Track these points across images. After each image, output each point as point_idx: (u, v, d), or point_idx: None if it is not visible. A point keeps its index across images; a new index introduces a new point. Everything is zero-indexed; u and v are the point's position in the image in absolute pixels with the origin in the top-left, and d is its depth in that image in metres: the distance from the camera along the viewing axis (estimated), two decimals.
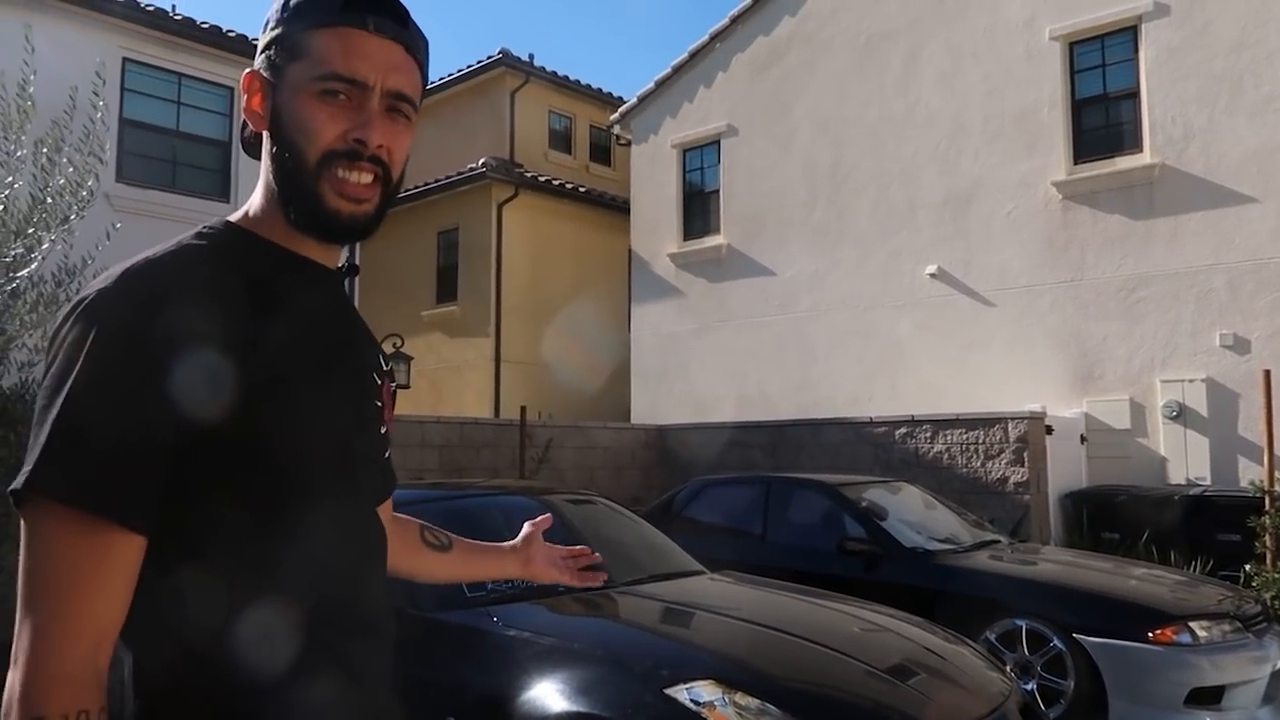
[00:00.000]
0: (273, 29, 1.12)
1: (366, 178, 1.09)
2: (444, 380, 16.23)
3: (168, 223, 10.39)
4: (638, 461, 10.98)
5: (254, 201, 1.14)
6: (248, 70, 1.12)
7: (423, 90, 1.19)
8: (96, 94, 5.05)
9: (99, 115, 5.00)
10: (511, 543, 1.72)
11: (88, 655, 0.91)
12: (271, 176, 1.11)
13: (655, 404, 13.22)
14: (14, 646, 0.89)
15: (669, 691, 2.79)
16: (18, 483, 0.91)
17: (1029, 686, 5.28)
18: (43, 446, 0.92)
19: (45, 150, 4.68)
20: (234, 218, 1.14)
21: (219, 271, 1.04)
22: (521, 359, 15.65)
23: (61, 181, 4.63)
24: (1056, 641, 5.20)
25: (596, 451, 10.57)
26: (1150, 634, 4.99)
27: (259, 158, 1.16)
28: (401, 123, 1.12)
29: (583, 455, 10.40)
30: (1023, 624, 5.35)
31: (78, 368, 0.94)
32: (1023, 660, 5.32)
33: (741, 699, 2.78)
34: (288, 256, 1.12)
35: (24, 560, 0.91)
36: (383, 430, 1.21)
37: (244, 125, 1.18)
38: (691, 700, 2.76)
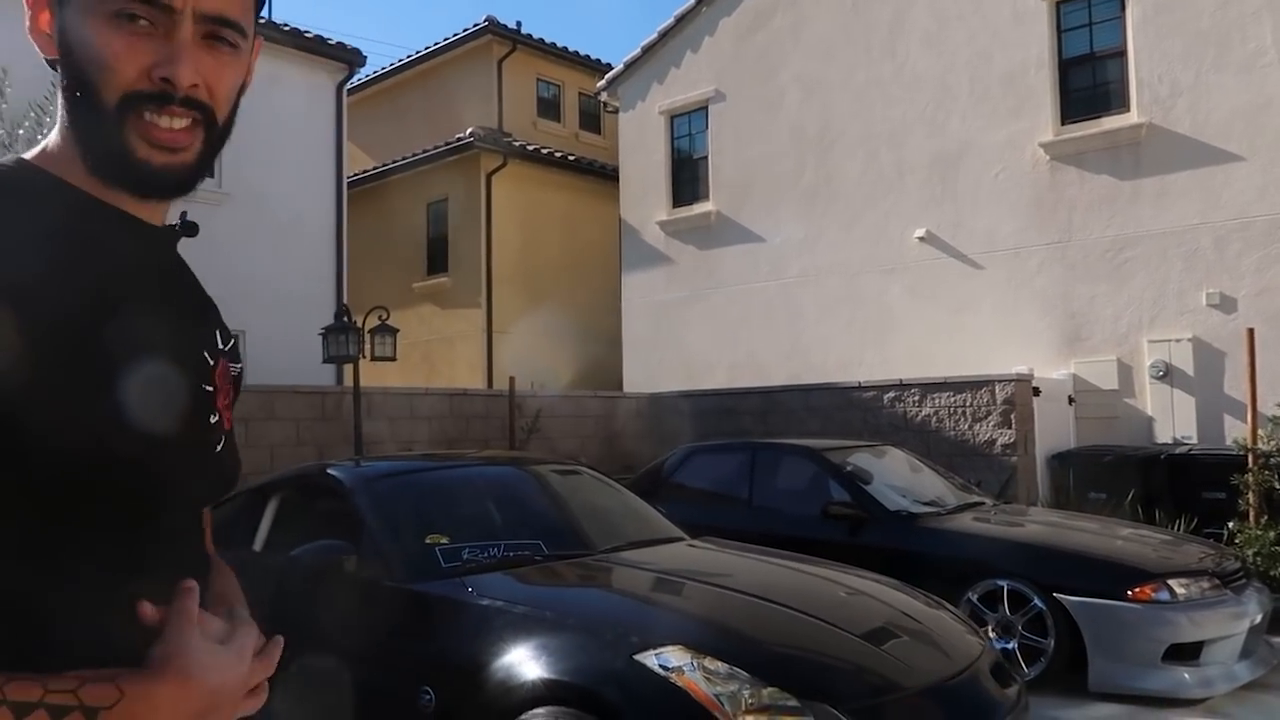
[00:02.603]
0: None
1: (181, 122, 0.90)
2: (436, 352, 16.23)
3: None
4: (629, 430, 11.02)
5: (53, 138, 0.94)
6: None
7: (257, 9, 1.00)
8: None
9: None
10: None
11: None
12: (65, 114, 0.91)
13: (647, 372, 13.24)
14: None
15: (638, 657, 2.82)
16: None
17: (1010, 645, 5.35)
18: None
19: (23, 129, 4.64)
20: (30, 155, 0.94)
21: (3, 213, 0.84)
22: (513, 329, 15.64)
23: None
24: (1037, 601, 5.25)
25: (588, 420, 10.60)
26: (1129, 592, 5.04)
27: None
28: (225, 52, 0.94)
29: (574, 424, 10.44)
30: (1004, 584, 5.40)
31: None
32: (1004, 620, 5.38)
33: (710, 664, 2.81)
34: (95, 206, 0.92)
35: None
36: (212, 419, 0.99)
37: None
38: (660, 665, 2.79)
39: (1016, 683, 3.41)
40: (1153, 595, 5.04)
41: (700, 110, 13.33)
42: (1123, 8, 9.77)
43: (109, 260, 0.90)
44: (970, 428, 8.81)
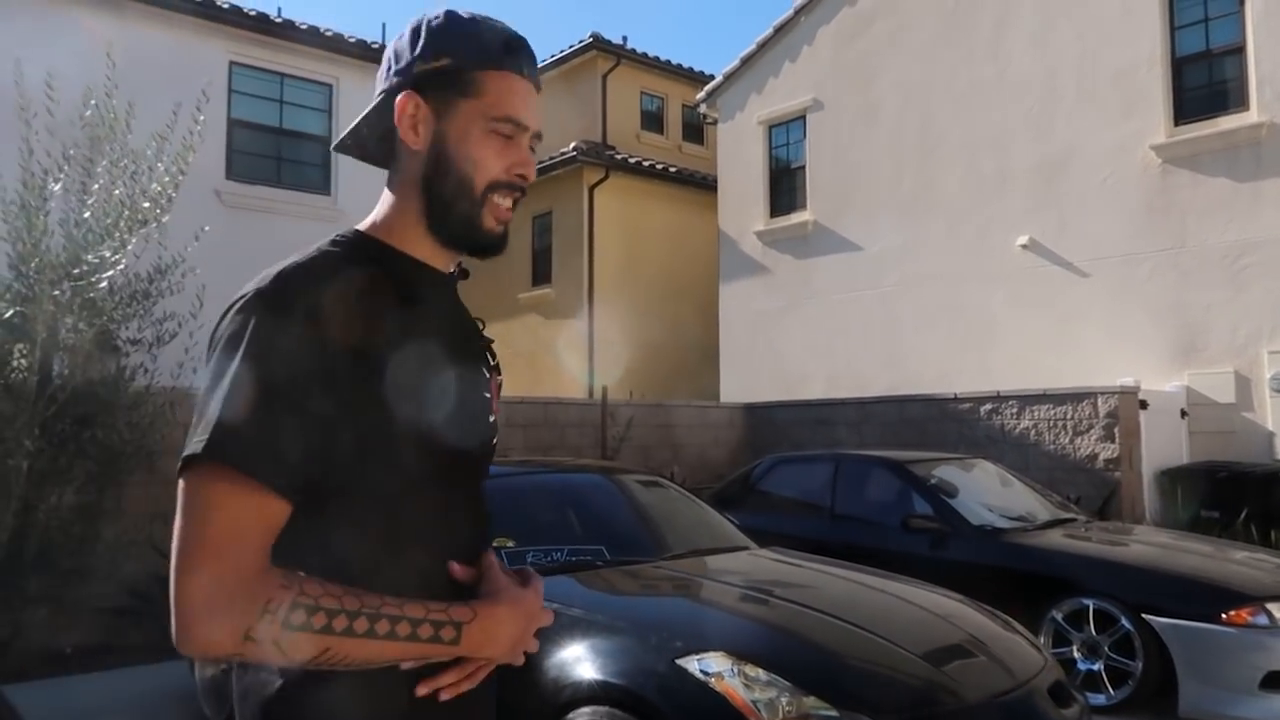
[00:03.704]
0: (434, 60, 1.23)
1: (511, 202, 1.27)
2: (540, 361, 16.62)
3: (274, 217, 11.05)
4: (722, 440, 11.07)
5: (382, 212, 1.27)
6: (406, 93, 1.22)
7: None
8: (199, 109, 5.44)
9: (197, 129, 5.36)
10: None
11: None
12: (420, 194, 1.24)
13: (745, 382, 13.25)
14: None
15: (680, 662, 2.91)
16: (191, 450, 1.04)
17: (1095, 666, 5.19)
18: (209, 422, 1.04)
19: (144, 161, 5.08)
20: (362, 227, 1.26)
21: (356, 274, 1.16)
22: (615, 340, 15.89)
23: (156, 188, 5.02)
24: (1124, 621, 5.09)
25: (681, 430, 10.71)
26: (1223, 615, 4.84)
27: (378, 164, 1.32)
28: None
29: (667, 434, 10.56)
30: (1089, 603, 5.25)
31: (238, 356, 1.06)
32: (1090, 640, 5.23)
33: (751, 670, 2.88)
34: (414, 262, 1.25)
35: (183, 516, 1.04)
36: (491, 419, 1.32)
37: (360, 129, 1.30)
38: (701, 671, 2.88)
39: (1078, 703, 3.35)
40: (1249, 619, 4.82)
41: (798, 119, 13.29)
42: (1241, 2, 9.31)
43: (431, 303, 1.24)
44: (1071, 441, 8.53)
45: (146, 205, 4.57)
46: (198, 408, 1.08)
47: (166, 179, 5.03)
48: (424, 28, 1.26)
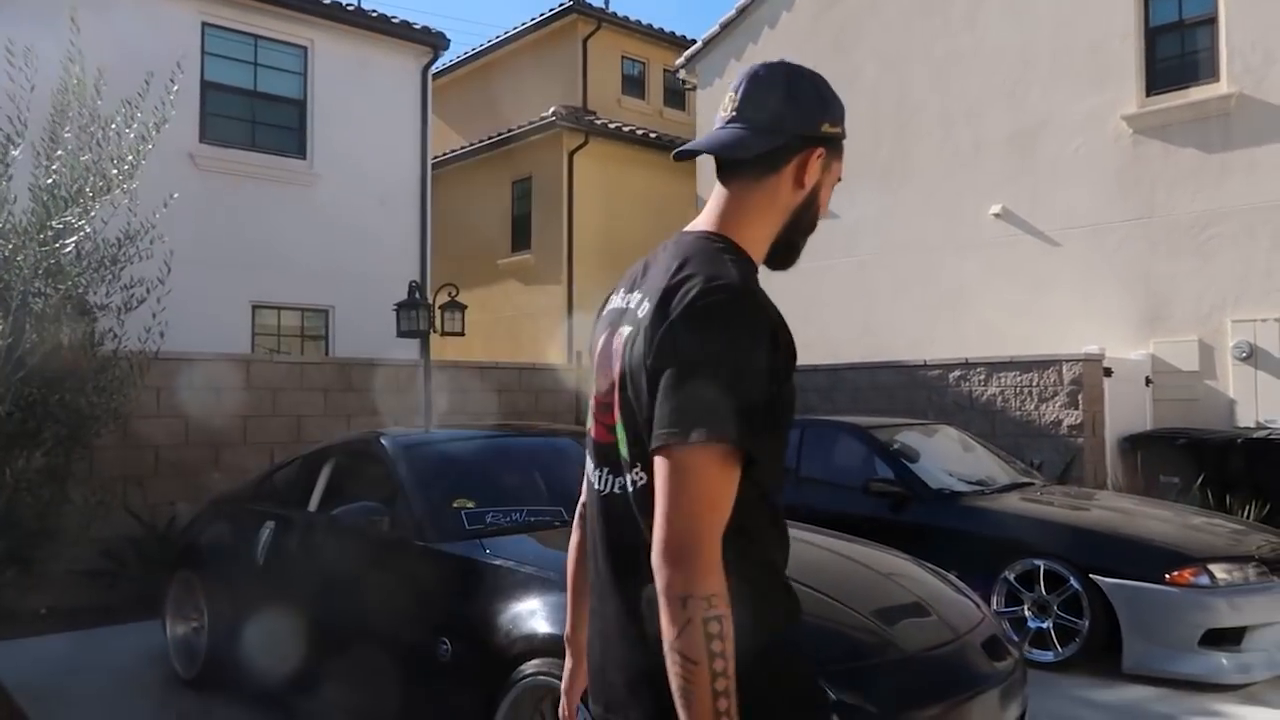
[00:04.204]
0: (836, 126, 1.50)
1: None
2: (521, 328, 16.67)
3: (249, 180, 10.99)
4: None
5: (737, 220, 1.48)
6: (820, 151, 1.47)
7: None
8: (172, 79, 5.43)
9: (170, 98, 5.34)
10: None
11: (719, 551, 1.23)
12: (785, 223, 1.50)
13: None
14: (663, 546, 1.20)
15: None
16: (702, 429, 1.22)
17: (1044, 625, 5.37)
18: (712, 405, 1.23)
19: (114, 126, 5.08)
20: (718, 229, 1.47)
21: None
22: (594, 306, 15.89)
23: (126, 154, 5.02)
24: (1073, 581, 5.25)
25: None
26: (1167, 575, 5.00)
27: (739, 174, 1.49)
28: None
29: None
30: (1040, 564, 5.41)
31: (728, 348, 1.26)
32: (1040, 599, 5.40)
33: None
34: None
35: (679, 485, 1.22)
36: None
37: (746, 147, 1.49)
38: None
39: (1012, 655, 3.49)
40: (1191, 579, 4.99)
41: None
42: None
43: None
44: (1036, 408, 8.68)
45: (114, 172, 4.59)
46: (687, 385, 1.25)
47: (139, 147, 5.04)
48: (824, 89, 1.51)
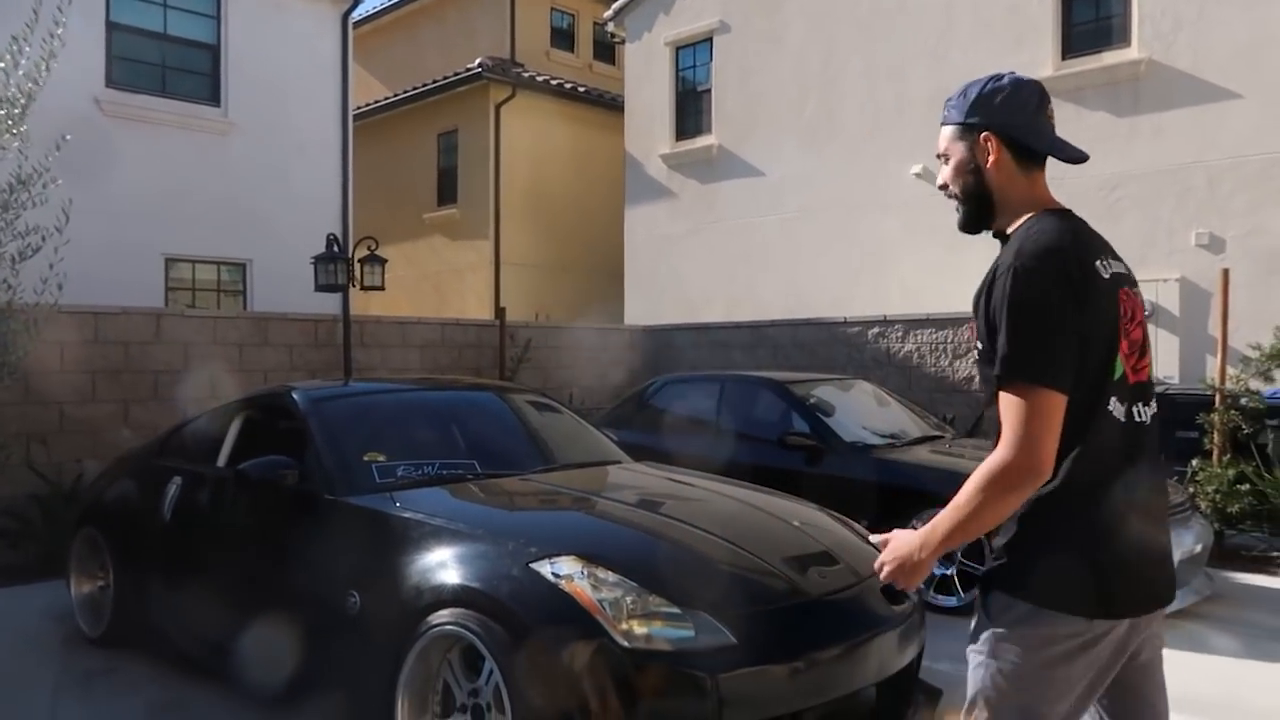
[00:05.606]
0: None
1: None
2: (447, 283, 16.47)
3: (159, 128, 10.58)
4: (623, 362, 11.23)
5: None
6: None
7: (958, 134, 2.01)
8: (60, 9, 5.17)
9: (59, 31, 5.10)
10: None
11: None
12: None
13: (649, 306, 13.40)
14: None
15: (534, 565, 3.05)
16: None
17: (949, 571, 5.57)
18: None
19: (2, 65, 4.83)
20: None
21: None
22: (521, 261, 15.81)
23: (15, 94, 4.79)
24: None
25: (581, 352, 10.82)
26: None
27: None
28: (945, 163, 2.05)
29: (567, 355, 10.67)
30: None
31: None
32: None
33: (601, 573, 3.03)
34: None
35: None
36: None
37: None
38: (553, 573, 3.02)
39: (909, 599, 3.62)
40: None
41: (705, 42, 13.23)
42: None
43: None
44: (950, 364, 8.92)
45: (1, 113, 4.37)
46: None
47: (27, 86, 4.81)
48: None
